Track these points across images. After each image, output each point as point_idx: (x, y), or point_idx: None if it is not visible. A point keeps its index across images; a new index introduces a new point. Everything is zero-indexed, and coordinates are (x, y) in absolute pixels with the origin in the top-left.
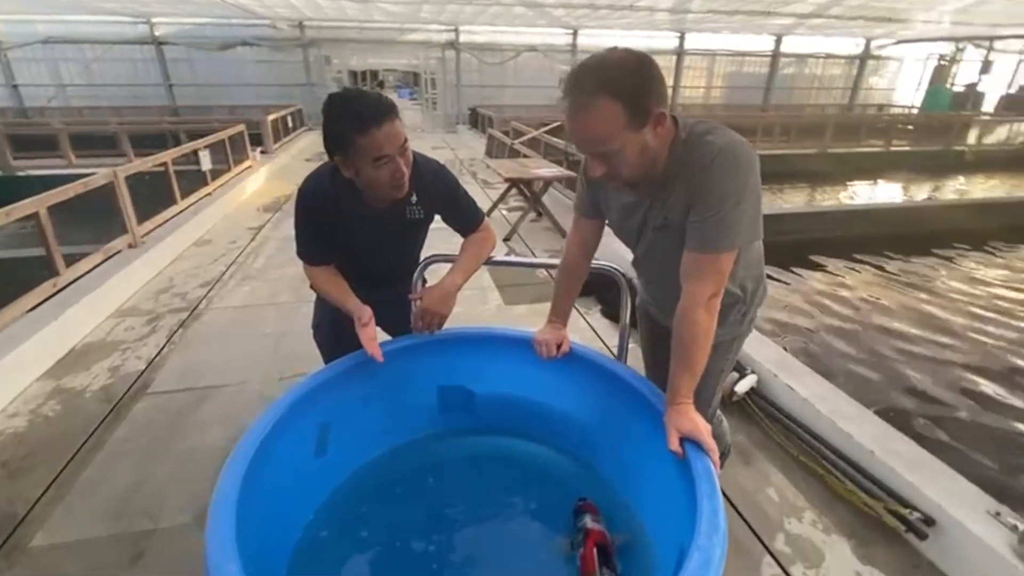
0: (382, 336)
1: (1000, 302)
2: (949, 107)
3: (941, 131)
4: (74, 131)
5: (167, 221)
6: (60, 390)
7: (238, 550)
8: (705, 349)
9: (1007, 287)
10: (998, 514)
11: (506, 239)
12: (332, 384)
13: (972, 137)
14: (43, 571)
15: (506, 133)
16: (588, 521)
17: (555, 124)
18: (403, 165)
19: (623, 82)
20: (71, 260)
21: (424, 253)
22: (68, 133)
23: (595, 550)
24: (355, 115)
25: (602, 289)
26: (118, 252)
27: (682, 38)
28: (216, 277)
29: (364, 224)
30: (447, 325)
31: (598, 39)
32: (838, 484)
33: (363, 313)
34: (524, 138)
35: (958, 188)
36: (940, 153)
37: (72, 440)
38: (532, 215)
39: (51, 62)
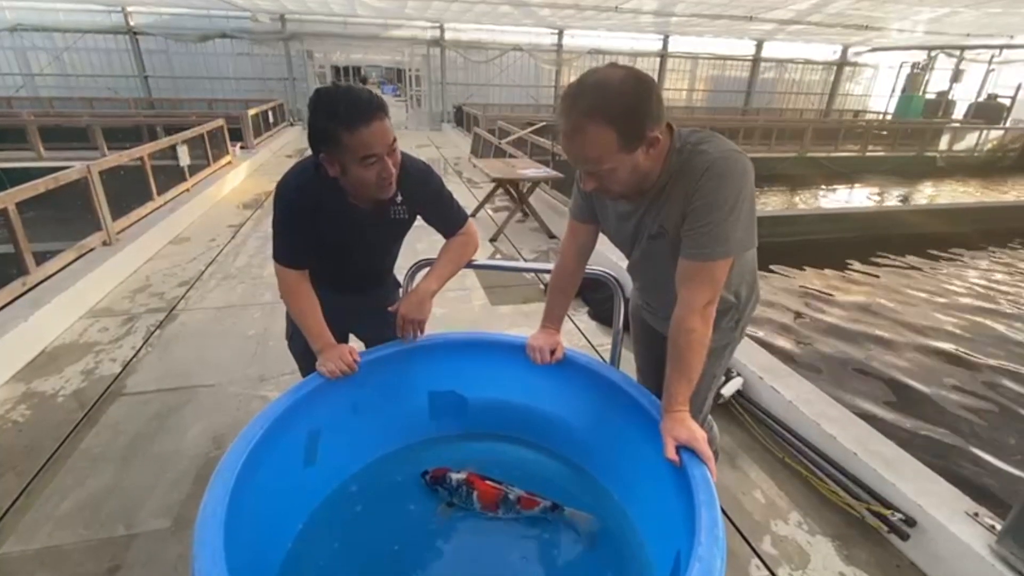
0: (360, 346)
1: (972, 300)
2: (921, 114)
3: (914, 137)
4: (44, 123)
5: (143, 218)
6: (31, 394)
7: (227, 565)
8: (701, 356)
9: (977, 288)
10: (976, 514)
11: (492, 239)
12: (321, 392)
13: (943, 143)
14: None
15: (492, 132)
16: (455, 474)
17: (541, 124)
18: (391, 165)
19: (619, 108)
20: (42, 258)
21: (406, 255)
22: (38, 125)
23: (487, 480)
24: (343, 111)
25: (589, 290)
26: (92, 250)
27: (666, 41)
28: (195, 276)
29: (347, 223)
30: (429, 329)
31: (583, 39)
32: (822, 485)
33: (331, 357)
34: (511, 138)
35: (929, 193)
36: (913, 159)
37: (44, 445)
38: (519, 215)
39: (19, 50)
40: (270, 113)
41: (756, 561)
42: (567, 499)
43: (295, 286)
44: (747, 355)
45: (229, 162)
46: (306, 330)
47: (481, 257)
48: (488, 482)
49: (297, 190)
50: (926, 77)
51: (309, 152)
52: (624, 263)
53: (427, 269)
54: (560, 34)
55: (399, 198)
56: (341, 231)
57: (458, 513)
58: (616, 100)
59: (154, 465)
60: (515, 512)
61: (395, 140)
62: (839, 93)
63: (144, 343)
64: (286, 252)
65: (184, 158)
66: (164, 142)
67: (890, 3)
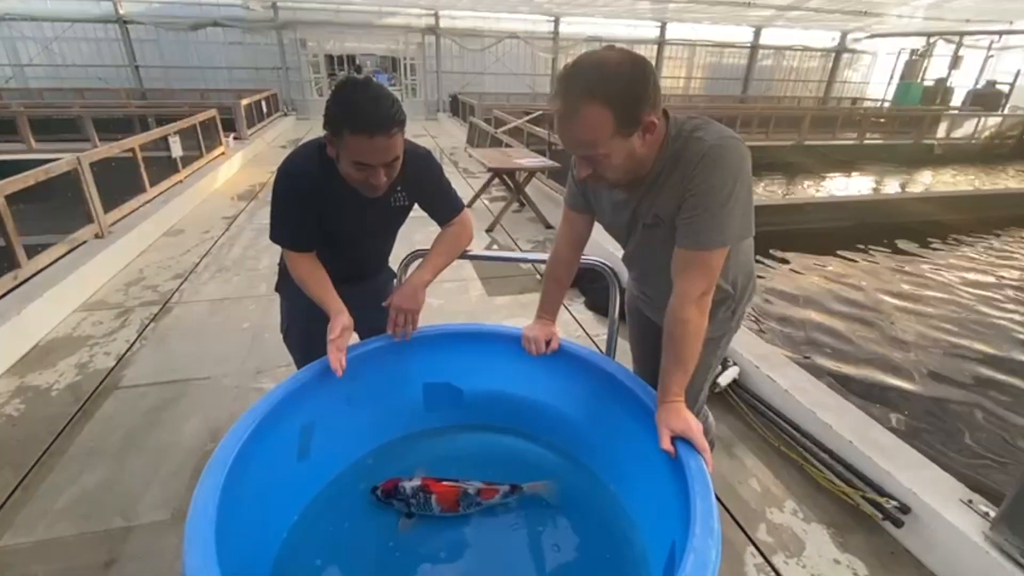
0: (353, 338)
1: (967, 290)
2: (919, 101)
3: (912, 125)
4: (34, 114)
5: (136, 210)
6: (24, 388)
7: (218, 559)
8: (696, 347)
9: (971, 276)
10: (970, 501)
11: (489, 230)
12: (314, 385)
13: (941, 131)
14: (11, 573)
15: (488, 121)
16: (408, 482)
17: (537, 113)
18: (383, 175)
19: (615, 89)
20: (33, 251)
21: (401, 245)
22: (28, 116)
23: (442, 481)
24: (353, 114)
25: (585, 280)
26: (84, 243)
27: (663, 28)
28: (189, 268)
29: (348, 208)
30: (426, 320)
31: (580, 27)
32: (818, 474)
33: (336, 324)
34: (507, 127)
35: (926, 181)
36: (911, 146)
37: (39, 440)
38: (515, 205)
39: (8, 40)
40: (263, 103)
41: (752, 549)
42: (564, 490)
43: (312, 270)
44: (744, 344)
45: (222, 153)
46: (316, 301)
47: (477, 247)
48: (445, 482)
49: (303, 173)
50: (924, 64)
51: (307, 139)
52: (620, 252)
53: (421, 260)
54: (556, 21)
55: (399, 185)
56: (342, 216)
57: (421, 523)
58: (613, 81)
59: (151, 458)
60: (476, 505)
61: (397, 159)
62: (837, 80)
63: (138, 336)
64: (289, 234)
65: (176, 149)
66: (156, 133)
67: None
